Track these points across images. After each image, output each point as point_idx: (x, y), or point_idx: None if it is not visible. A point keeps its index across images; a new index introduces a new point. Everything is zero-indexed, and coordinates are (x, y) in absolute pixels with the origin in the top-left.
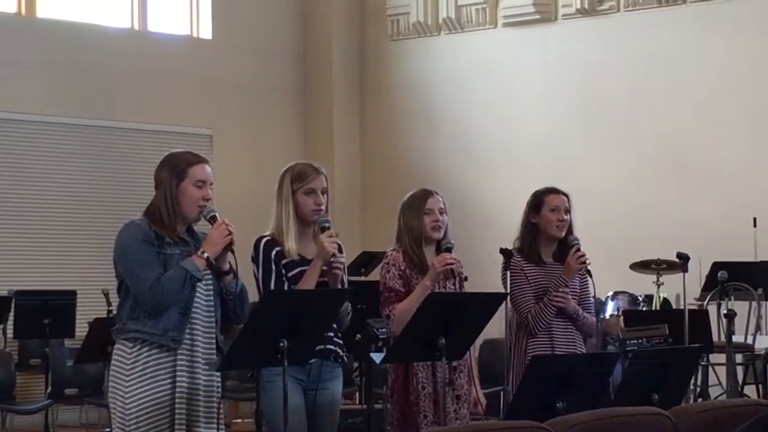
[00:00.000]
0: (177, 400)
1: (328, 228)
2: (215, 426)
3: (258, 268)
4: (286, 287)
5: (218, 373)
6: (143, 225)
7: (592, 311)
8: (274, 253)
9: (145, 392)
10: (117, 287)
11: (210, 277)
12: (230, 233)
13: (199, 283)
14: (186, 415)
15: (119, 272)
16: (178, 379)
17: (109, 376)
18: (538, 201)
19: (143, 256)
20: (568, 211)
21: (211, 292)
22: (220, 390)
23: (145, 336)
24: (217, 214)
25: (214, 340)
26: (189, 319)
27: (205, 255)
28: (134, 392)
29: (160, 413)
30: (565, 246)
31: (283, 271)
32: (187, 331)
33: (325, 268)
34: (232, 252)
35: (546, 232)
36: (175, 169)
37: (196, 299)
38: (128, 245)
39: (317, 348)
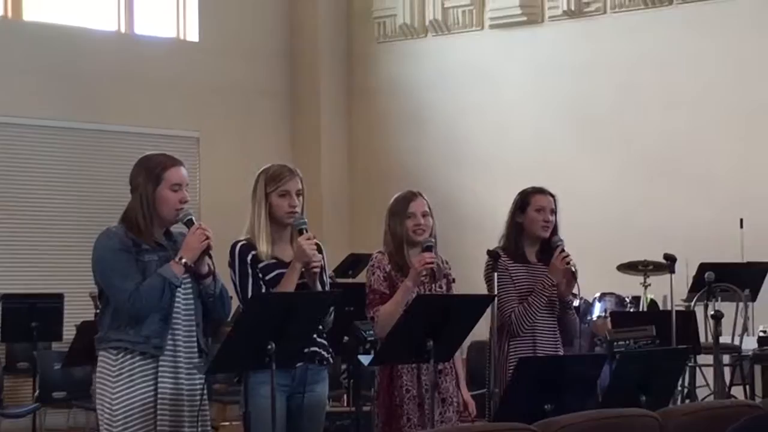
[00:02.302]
0: (159, 405)
1: (306, 230)
2: (200, 429)
3: (235, 273)
4: (263, 291)
5: (201, 377)
6: (120, 233)
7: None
8: (250, 257)
9: (132, 396)
10: (97, 295)
11: (188, 280)
12: (207, 237)
13: (178, 288)
14: (170, 420)
15: (98, 281)
16: (160, 384)
17: (95, 382)
18: (524, 200)
19: (120, 266)
20: (553, 211)
21: (191, 296)
22: (204, 393)
23: (127, 345)
24: (193, 218)
25: (195, 344)
26: (170, 325)
27: (183, 261)
28: (121, 396)
29: (146, 417)
30: (549, 247)
31: (260, 275)
32: (169, 336)
33: (303, 269)
34: (210, 256)
35: (531, 232)
36: (151, 173)
37: (175, 304)
38: (105, 255)
39: (303, 351)
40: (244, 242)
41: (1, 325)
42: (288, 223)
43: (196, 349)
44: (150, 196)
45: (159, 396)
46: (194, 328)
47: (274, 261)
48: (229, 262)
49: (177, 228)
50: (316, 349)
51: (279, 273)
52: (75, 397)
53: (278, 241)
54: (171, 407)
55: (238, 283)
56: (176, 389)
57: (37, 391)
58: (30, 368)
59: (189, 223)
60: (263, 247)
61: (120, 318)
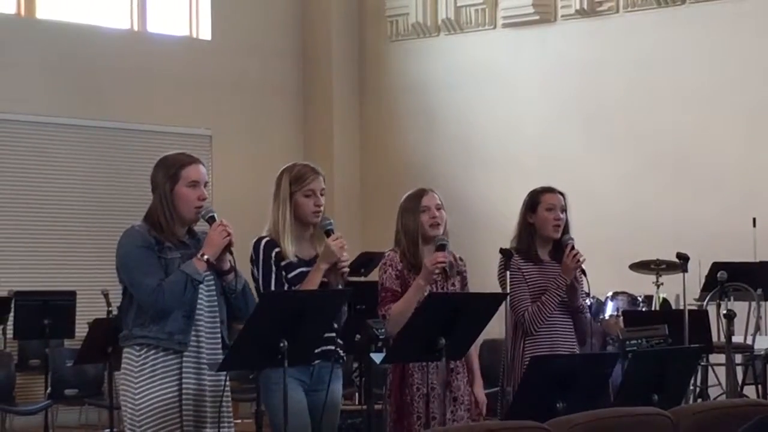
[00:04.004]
0: (184, 402)
1: (333, 231)
2: (224, 426)
3: (258, 270)
4: (286, 288)
5: (224, 374)
6: (142, 231)
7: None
8: (274, 254)
9: (155, 393)
10: (122, 293)
11: (211, 277)
12: (229, 234)
13: (200, 285)
14: (194, 417)
15: (122, 279)
16: (184, 381)
17: (119, 381)
18: (534, 200)
19: (143, 263)
20: (564, 210)
21: (214, 293)
22: (228, 390)
23: (151, 341)
24: (215, 215)
25: (219, 341)
26: (194, 321)
27: (205, 257)
28: (144, 393)
29: (170, 414)
30: (560, 245)
31: (284, 273)
32: (192, 333)
33: (328, 269)
34: (231, 252)
35: (542, 232)
36: (168, 172)
37: (198, 301)
38: (128, 252)
39: (320, 349)
40: (268, 239)
41: (13, 322)
42: (313, 222)
43: (220, 347)
44: (168, 194)
45: (183, 393)
46: (218, 325)
47: (296, 260)
48: (251, 257)
49: (201, 227)
50: (333, 347)
51: (301, 271)
52: (87, 395)
53: (300, 241)
54: (195, 404)
55: (261, 280)
56: (199, 386)
57: (49, 389)
58: (42, 365)
59: (210, 220)
60: (288, 246)
61: (144, 315)
